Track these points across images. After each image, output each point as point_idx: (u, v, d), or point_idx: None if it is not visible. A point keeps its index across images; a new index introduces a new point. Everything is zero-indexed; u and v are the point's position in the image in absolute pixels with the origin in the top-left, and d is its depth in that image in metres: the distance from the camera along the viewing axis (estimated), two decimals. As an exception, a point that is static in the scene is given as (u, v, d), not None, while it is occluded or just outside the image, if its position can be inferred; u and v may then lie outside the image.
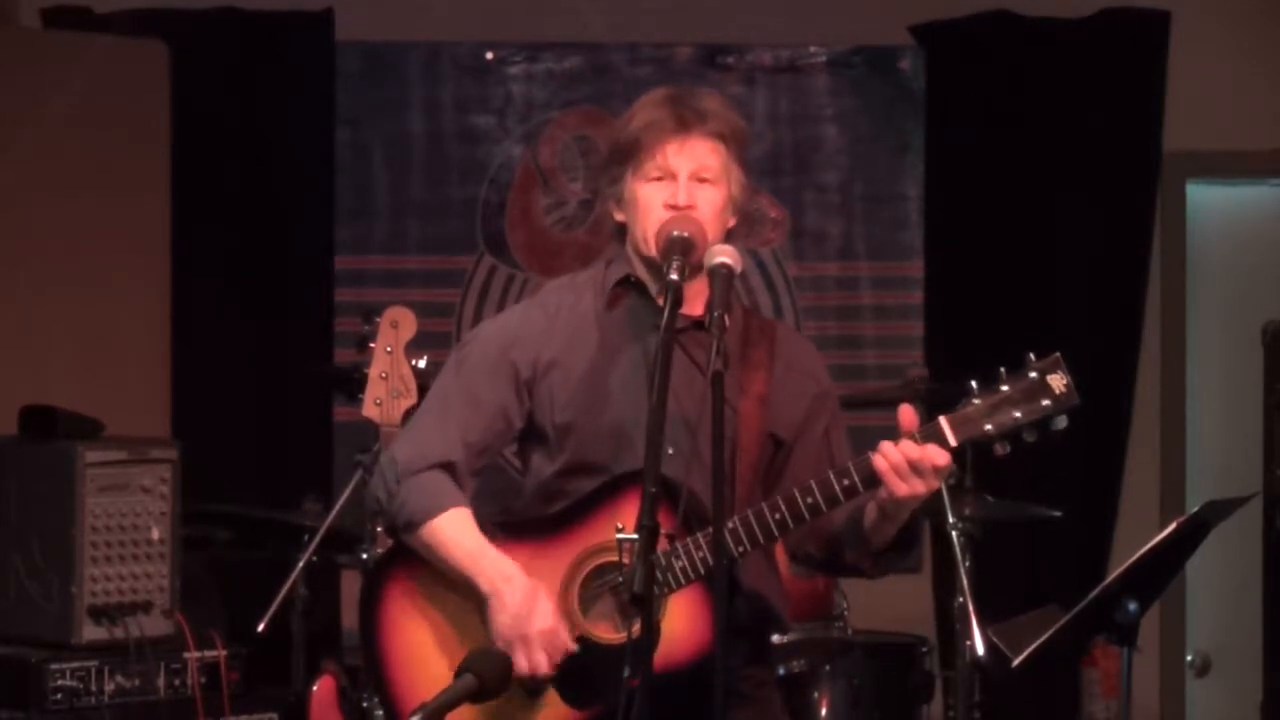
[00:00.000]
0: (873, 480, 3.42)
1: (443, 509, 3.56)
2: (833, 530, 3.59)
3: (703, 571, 3.44)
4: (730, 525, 3.42)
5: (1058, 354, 3.42)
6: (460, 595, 3.57)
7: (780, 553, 3.76)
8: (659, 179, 3.55)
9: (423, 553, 3.59)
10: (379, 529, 4.77)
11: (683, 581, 3.45)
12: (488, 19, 7.04)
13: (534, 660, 3.47)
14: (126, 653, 4.86)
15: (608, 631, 3.51)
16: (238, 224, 6.89)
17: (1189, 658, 7.16)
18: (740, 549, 3.46)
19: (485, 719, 3.42)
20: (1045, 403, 3.39)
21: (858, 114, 7.13)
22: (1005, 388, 3.41)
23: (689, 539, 3.44)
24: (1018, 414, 3.40)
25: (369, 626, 3.63)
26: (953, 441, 3.40)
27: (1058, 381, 3.40)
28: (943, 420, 3.41)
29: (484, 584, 3.52)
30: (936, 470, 3.38)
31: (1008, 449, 3.42)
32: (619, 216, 3.64)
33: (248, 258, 6.90)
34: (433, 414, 3.66)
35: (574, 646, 3.49)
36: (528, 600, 3.49)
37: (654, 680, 3.18)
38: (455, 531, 3.55)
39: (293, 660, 5.46)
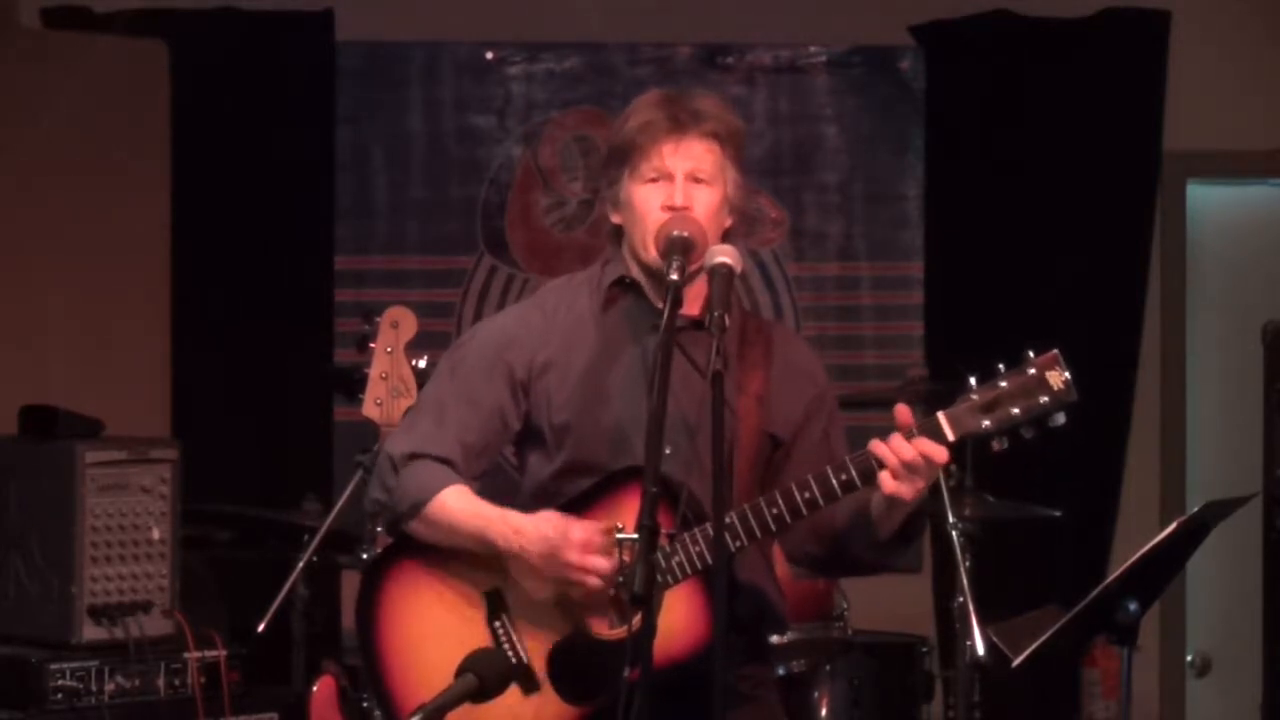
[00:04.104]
0: (870, 475, 3.42)
1: (445, 485, 3.56)
2: (836, 526, 3.58)
3: (699, 567, 3.45)
4: (727, 520, 3.42)
5: (1056, 350, 3.42)
6: (459, 592, 3.57)
7: (778, 554, 3.77)
8: (655, 180, 3.56)
9: (430, 533, 3.57)
10: (378, 529, 4.77)
11: (679, 576, 3.45)
12: (488, 19, 7.04)
13: (587, 577, 3.43)
14: (126, 653, 4.86)
15: (603, 627, 3.52)
16: (238, 224, 6.89)
17: (1189, 658, 7.16)
18: (737, 544, 3.46)
19: (484, 716, 3.42)
20: (1043, 399, 3.39)
21: (858, 114, 7.14)
22: (1004, 384, 3.41)
23: (685, 534, 3.44)
24: (1016, 410, 3.40)
25: (365, 626, 3.63)
26: (950, 437, 3.40)
27: (1056, 378, 3.40)
28: (941, 416, 3.42)
29: (500, 543, 3.50)
30: (933, 466, 3.38)
31: (1005, 445, 3.42)
32: (616, 219, 3.64)
33: (248, 258, 6.90)
34: (428, 415, 3.66)
35: (610, 533, 3.43)
36: (547, 535, 3.46)
37: (653, 675, 3.18)
38: (461, 502, 3.55)
39: (293, 660, 5.46)
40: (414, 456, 3.59)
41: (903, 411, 3.42)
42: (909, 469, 3.37)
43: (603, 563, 3.44)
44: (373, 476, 3.70)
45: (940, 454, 3.38)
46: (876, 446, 3.40)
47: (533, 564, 3.49)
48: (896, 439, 3.39)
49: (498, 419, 3.62)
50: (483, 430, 3.62)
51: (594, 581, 3.45)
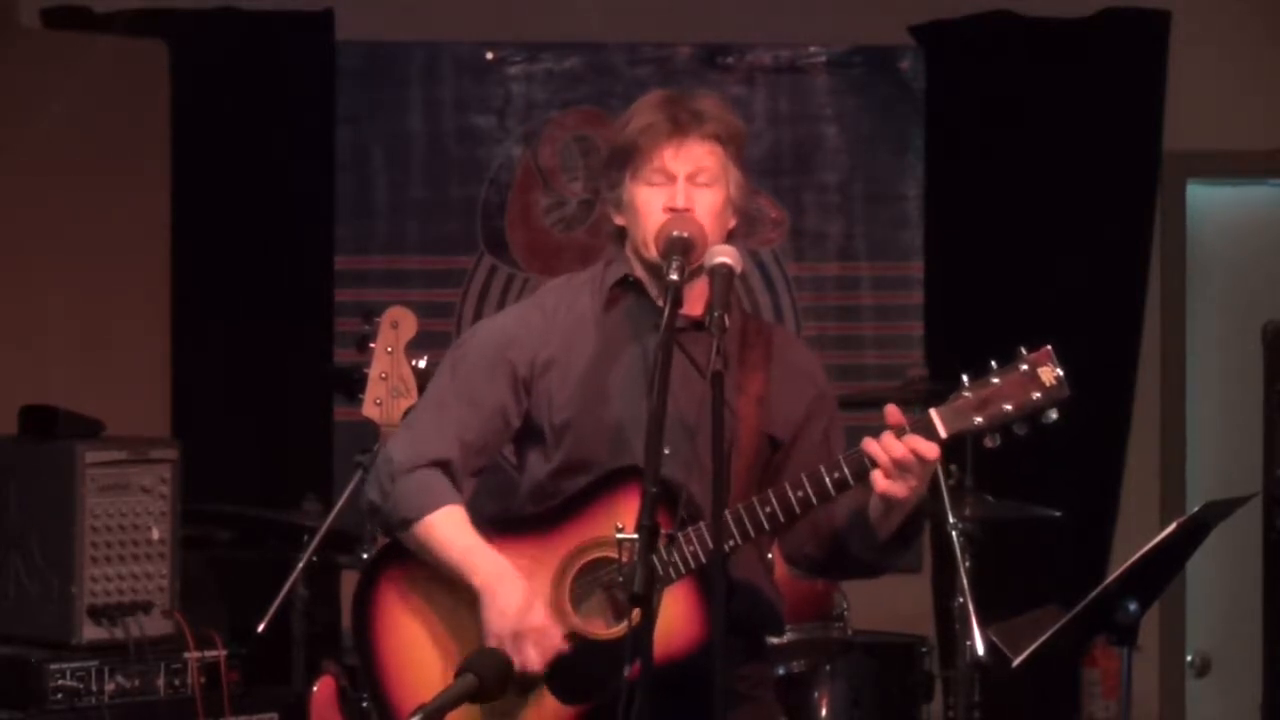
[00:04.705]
0: (863, 473, 3.42)
1: (437, 506, 3.56)
2: (835, 526, 3.58)
3: (694, 566, 3.45)
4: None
5: (1049, 347, 3.43)
6: (454, 593, 3.57)
7: (776, 556, 3.77)
8: (657, 183, 3.56)
9: (417, 550, 3.59)
10: (378, 529, 4.76)
11: (673, 576, 3.45)
12: (488, 19, 7.04)
13: (525, 656, 3.47)
14: (126, 653, 4.86)
15: (599, 627, 3.52)
16: (238, 224, 6.89)
17: (1189, 658, 7.16)
18: (731, 542, 3.46)
19: (479, 717, 3.42)
20: (1036, 395, 3.40)
21: (858, 114, 7.14)
22: (996, 380, 3.41)
23: (679, 534, 3.44)
24: (1008, 406, 3.40)
25: (361, 627, 3.63)
26: (943, 434, 3.41)
27: (1048, 374, 3.41)
28: (933, 412, 3.42)
29: (476, 580, 3.52)
30: (924, 463, 3.39)
31: (998, 442, 3.43)
32: (618, 220, 3.65)
33: (248, 258, 6.90)
34: (429, 413, 3.66)
35: (565, 645, 3.49)
36: (520, 597, 3.49)
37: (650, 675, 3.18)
38: (449, 529, 3.55)
39: (293, 660, 5.46)
40: (412, 467, 3.59)
41: (893, 411, 3.42)
42: (901, 467, 3.38)
43: (535, 659, 3.46)
44: (371, 474, 3.70)
45: (931, 451, 3.38)
46: (868, 444, 3.41)
47: (492, 609, 3.49)
48: (888, 437, 3.39)
49: (499, 417, 3.62)
50: (483, 429, 3.62)
51: (516, 663, 3.45)
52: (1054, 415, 3.40)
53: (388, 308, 5.03)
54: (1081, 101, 6.99)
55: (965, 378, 3.43)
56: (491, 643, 3.49)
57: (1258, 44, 7.12)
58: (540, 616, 3.49)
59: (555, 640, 3.49)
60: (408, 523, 3.57)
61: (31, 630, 4.91)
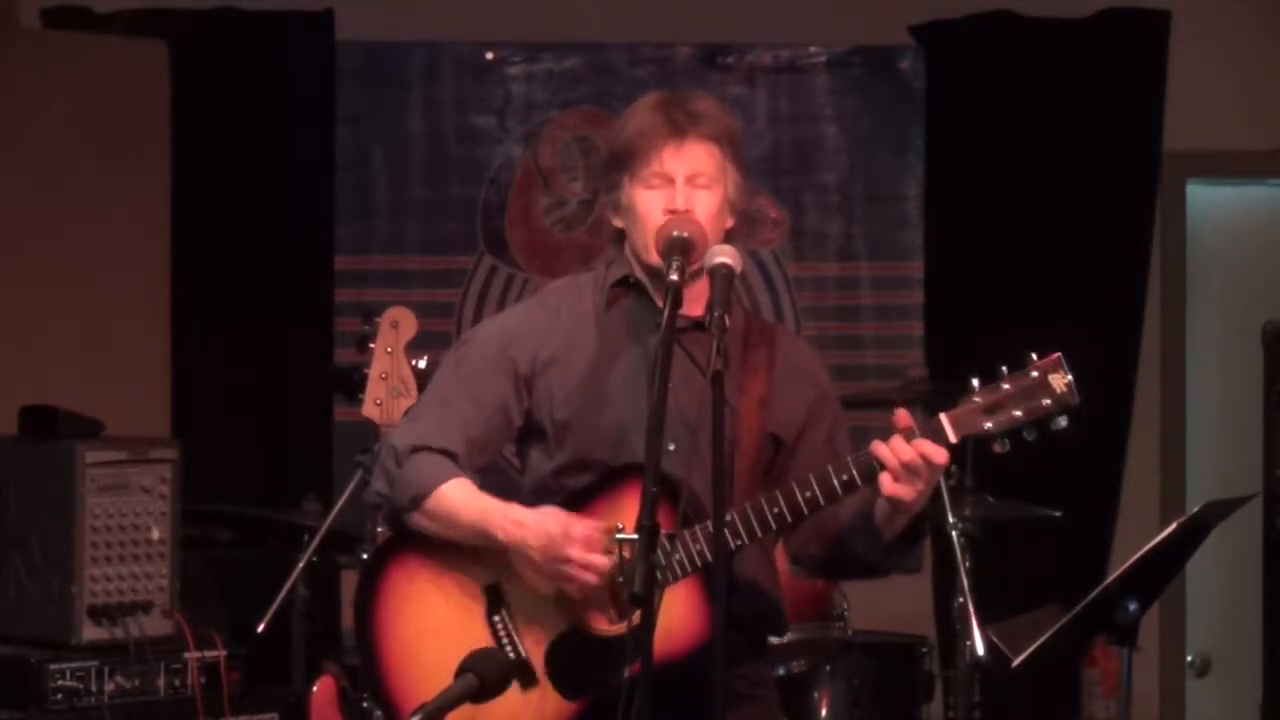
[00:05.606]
0: (871, 475, 3.43)
1: (449, 478, 3.56)
2: (839, 527, 3.59)
3: (699, 564, 3.45)
4: (728, 518, 3.42)
5: (1059, 354, 3.44)
6: (457, 587, 3.58)
7: (780, 556, 3.77)
8: (656, 185, 3.56)
9: (431, 526, 3.58)
10: (378, 529, 4.77)
11: (679, 574, 3.46)
12: (488, 19, 7.04)
13: (586, 574, 3.44)
14: (126, 653, 4.86)
15: (602, 623, 3.52)
16: (238, 224, 6.89)
17: (1189, 658, 7.16)
18: (737, 542, 3.47)
19: (482, 713, 3.42)
20: (1046, 402, 3.41)
21: (858, 114, 7.14)
22: (1006, 386, 3.43)
23: (686, 532, 3.45)
24: (1018, 412, 3.41)
25: (363, 622, 3.63)
26: (953, 438, 3.42)
27: (1058, 381, 3.42)
28: (943, 417, 3.43)
29: (501, 536, 3.51)
30: (933, 468, 3.39)
31: (1007, 447, 3.44)
32: (617, 223, 3.65)
33: (248, 258, 6.90)
34: (433, 409, 3.66)
35: (611, 533, 3.44)
36: (549, 530, 3.47)
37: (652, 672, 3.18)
38: (464, 495, 3.55)
39: (293, 660, 5.46)
40: (417, 449, 3.59)
41: (902, 415, 3.43)
42: (909, 470, 3.39)
43: (602, 561, 3.45)
44: (375, 467, 3.70)
45: (940, 455, 3.39)
46: (877, 447, 3.41)
47: (532, 559, 3.49)
48: (897, 440, 3.40)
49: (501, 414, 3.63)
50: (486, 426, 3.62)
51: (591, 579, 3.46)
52: (1064, 422, 3.41)
53: (388, 308, 5.03)
54: (1081, 102, 6.99)
55: (975, 382, 3.44)
56: (544, 588, 3.47)
57: (1258, 44, 7.12)
58: (577, 527, 3.46)
59: (599, 538, 3.45)
60: (421, 497, 3.56)
61: (31, 630, 4.91)
